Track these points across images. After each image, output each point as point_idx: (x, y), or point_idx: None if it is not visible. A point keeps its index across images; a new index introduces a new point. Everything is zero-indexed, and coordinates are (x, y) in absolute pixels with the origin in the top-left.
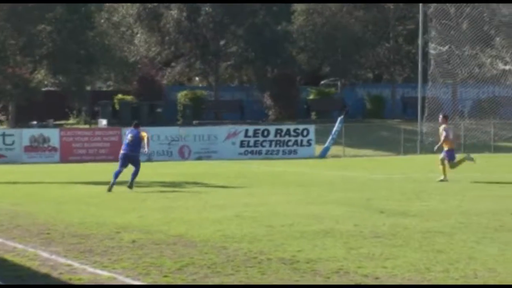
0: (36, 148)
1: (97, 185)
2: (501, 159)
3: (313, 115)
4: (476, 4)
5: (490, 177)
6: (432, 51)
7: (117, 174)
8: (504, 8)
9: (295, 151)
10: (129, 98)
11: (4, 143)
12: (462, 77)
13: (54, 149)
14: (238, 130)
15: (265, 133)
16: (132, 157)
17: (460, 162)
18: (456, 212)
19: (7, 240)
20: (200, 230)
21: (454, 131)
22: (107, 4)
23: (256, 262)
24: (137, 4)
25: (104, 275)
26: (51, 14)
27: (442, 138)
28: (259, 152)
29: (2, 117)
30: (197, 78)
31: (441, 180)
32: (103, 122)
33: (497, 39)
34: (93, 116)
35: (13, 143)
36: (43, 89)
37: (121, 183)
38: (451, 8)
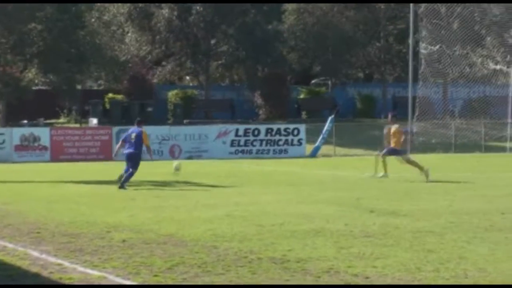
0: (27, 147)
1: (88, 184)
2: (492, 159)
3: (303, 115)
4: (467, 4)
5: (480, 176)
6: (422, 51)
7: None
8: (495, 8)
9: (285, 151)
10: (119, 97)
11: None
12: (453, 76)
13: (45, 148)
14: (229, 129)
15: (256, 132)
16: (135, 155)
17: (384, 164)
18: (446, 211)
19: None
20: (191, 229)
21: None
22: (98, 3)
23: (246, 261)
24: (128, 3)
25: (94, 274)
26: (41, 13)
27: (402, 138)
28: (250, 152)
29: None
30: (187, 77)
31: (381, 176)
32: (94, 121)
33: (488, 38)
34: (84, 115)
35: (3, 142)
36: (34, 88)
37: (113, 182)
38: (442, 7)
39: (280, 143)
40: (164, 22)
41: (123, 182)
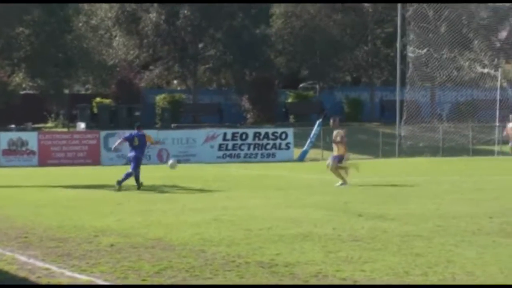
0: (14, 151)
1: (75, 189)
2: (480, 162)
3: (291, 119)
4: (455, 7)
5: (468, 180)
6: (410, 54)
7: (137, 176)
8: (482, 11)
9: (273, 155)
10: (107, 101)
11: None
12: (441, 80)
13: (33, 152)
14: (217, 134)
15: (244, 136)
16: (138, 158)
17: (344, 168)
18: (434, 215)
19: None
20: (179, 233)
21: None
22: (86, 7)
23: (234, 265)
24: (116, 8)
25: (82, 279)
26: (29, 17)
27: (343, 143)
28: (238, 156)
29: None
30: (175, 82)
31: (341, 184)
32: (82, 125)
33: (476, 42)
34: (72, 120)
35: None
36: (21, 92)
37: (101, 186)
38: (430, 11)
39: (268, 147)
40: (152, 26)
41: (121, 179)
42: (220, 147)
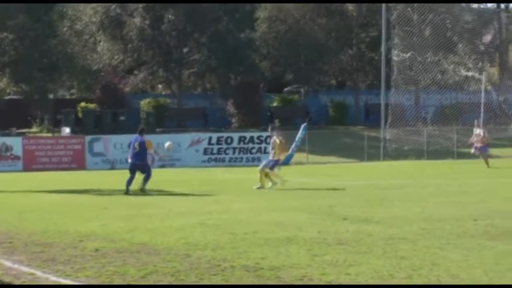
0: None
1: (60, 194)
2: (464, 165)
3: (276, 122)
4: (439, 11)
5: (453, 183)
6: (395, 58)
7: (129, 182)
8: (467, 15)
9: (258, 158)
10: (92, 106)
11: None
12: (425, 83)
13: (17, 157)
14: (202, 138)
15: (229, 140)
16: (140, 166)
17: (274, 177)
18: (419, 218)
19: None
20: (164, 238)
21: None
22: (70, 12)
23: (219, 269)
24: (100, 12)
25: (67, 283)
26: (13, 22)
27: (280, 149)
28: (223, 160)
29: None
30: (160, 86)
31: (258, 188)
32: (66, 130)
33: (460, 45)
34: (56, 125)
35: None
36: (6, 97)
37: (86, 191)
38: (414, 14)
39: (253, 151)
40: (136, 31)
41: (143, 186)
42: (205, 151)
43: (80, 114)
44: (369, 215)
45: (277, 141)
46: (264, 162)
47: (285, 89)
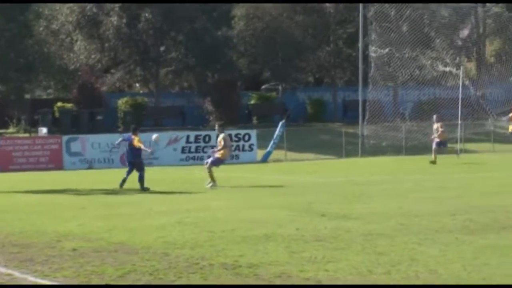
0: None
1: (38, 194)
2: (442, 161)
3: (254, 120)
4: (416, 6)
5: (431, 178)
6: (372, 54)
7: (127, 173)
8: (444, 10)
9: (237, 156)
10: (69, 106)
11: None
12: (403, 79)
13: None
14: (179, 136)
15: (207, 138)
16: (135, 164)
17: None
18: (397, 214)
19: None
20: (142, 237)
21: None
22: (46, 11)
23: (198, 268)
24: (77, 12)
25: (45, 284)
26: None
27: (220, 146)
28: (201, 158)
29: None
30: (137, 85)
31: (211, 186)
32: (43, 130)
33: (437, 41)
34: (33, 125)
35: None
36: None
37: (64, 191)
38: (391, 10)
39: (231, 149)
40: (113, 29)
41: (142, 185)
42: (183, 150)
43: (57, 114)
44: (348, 212)
45: (221, 139)
46: (209, 160)
47: (263, 87)
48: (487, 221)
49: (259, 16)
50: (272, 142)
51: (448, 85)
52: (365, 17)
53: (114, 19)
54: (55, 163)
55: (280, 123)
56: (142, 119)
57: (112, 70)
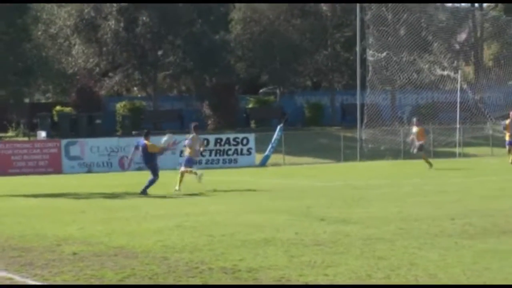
0: None
1: (37, 198)
2: (441, 164)
3: (252, 124)
4: (413, 10)
5: (430, 182)
6: (370, 58)
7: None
8: (441, 14)
9: (235, 160)
10: (68, 109)
11: None
12: (401, 83)
13: None
14: (178, 140)
15: (205, 142)
16: (148, 167)
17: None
18: (396, 218)
19: None
20: (141, 241)
21: (201, 141)
22: (44, 15)
23: (197, 272)
24: (74, 16)
25: (46, 284)
26: None
27: (193, 147)
28: (199, 162)
29: None
30: (135, 89)
31: (178, 190)
32: (42, 134)
33: (435, 44)
34: (32, 128)
35: None
36: None
37: (63, 195)
38: (389, 14)
39: (230, 152)
40: (111, 33)
41: (145, 188)
42: (180, 154)
43: (56, 118)
44: (347, 216)
45: (192, 139)
46: (183, 162)
47: (261, 90)
48: (486, 225)
49: (256, 20)
50: (270, 146)
51: (446, 89)
52: (362, 20)
53: (112, 23)
54: (54, 167)
55: (278, 127)
56: (140, 123)
57: (110, 74)
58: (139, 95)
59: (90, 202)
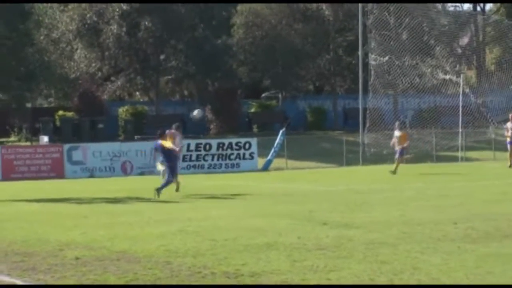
0: None
1: (40, 203)
2: (443, 169)
3: (254, 128)
4: (416, 14)
5: (432, 186)
6: (372, 62)
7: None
8: (443, 18)
9: (237, 165)
10: (70, 114)
11: None
12: (403, 87)
13: None
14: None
15: (207, 147)
16: (168, 167)
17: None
18: (399, 222)
19: None
20: (144, 245)
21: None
22: (47, 20)
23: (200, 276)
24: (77, 20)
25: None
26: None
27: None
28: (202, 166)
29: None
30: (137, 93)
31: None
32: (45, 139)
33: (437, 48)
34: (35, 133)
35: None
36: None
37: (66, 200)
38: (391, 18)
39: (232, 157)
40: (113, 38)
41: (160, 189)
42: (183, 158)
43: (58, 123)
44: (349, 220)
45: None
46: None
47: (263, 95)
48: (489, 229)
49: (258, 24)
50: (272, 150)
51: (448, 93)
52: (364, 25)
53: (114, 27)
54: (57, 172)
55: (281, 131)
56: (142, 127)
57: (113, 79)
58: (141, 100)
59: (93, 207)
